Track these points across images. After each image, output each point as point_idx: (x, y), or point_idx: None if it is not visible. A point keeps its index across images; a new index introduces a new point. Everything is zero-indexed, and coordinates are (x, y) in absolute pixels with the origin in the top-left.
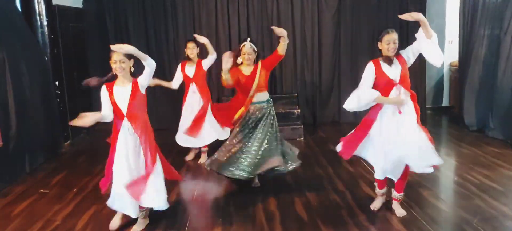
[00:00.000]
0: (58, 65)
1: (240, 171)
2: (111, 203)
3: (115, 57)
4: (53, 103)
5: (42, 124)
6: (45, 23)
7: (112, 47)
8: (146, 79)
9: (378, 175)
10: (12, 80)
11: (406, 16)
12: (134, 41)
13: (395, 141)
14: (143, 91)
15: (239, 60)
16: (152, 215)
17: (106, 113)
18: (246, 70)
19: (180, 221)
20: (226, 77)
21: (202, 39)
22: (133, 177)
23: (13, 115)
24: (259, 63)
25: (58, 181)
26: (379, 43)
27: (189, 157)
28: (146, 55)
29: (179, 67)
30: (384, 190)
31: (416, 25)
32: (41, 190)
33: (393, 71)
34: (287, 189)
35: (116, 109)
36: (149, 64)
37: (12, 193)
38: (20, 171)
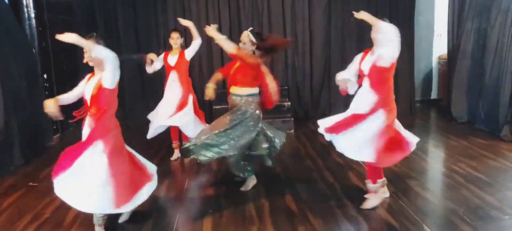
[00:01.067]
0: (46, 58)
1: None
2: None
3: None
4: (41, 96)
5: (31, 117)
6: (33, 15)
7: (57, 37)
8: (108, 79)
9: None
10: (0, 73)
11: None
12: (123, 34)
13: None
14: (106, 85)
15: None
16: (141, 210)
17: (68, 96)
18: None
19: (170, 213)
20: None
21: (186, 22)
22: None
23: (1, 108)
24: (244, 54)
25: (47, 174)
26: (372, 32)
27: (174, 157)
28: (95, 47)
29: (161, 56)
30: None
31: (405, 25)
32: (30, 183)
33: (367, 63)
34: (277, 181)
35: (84, 100)
36: (105, 58)
37: (1, 186)
38: (9, 165)
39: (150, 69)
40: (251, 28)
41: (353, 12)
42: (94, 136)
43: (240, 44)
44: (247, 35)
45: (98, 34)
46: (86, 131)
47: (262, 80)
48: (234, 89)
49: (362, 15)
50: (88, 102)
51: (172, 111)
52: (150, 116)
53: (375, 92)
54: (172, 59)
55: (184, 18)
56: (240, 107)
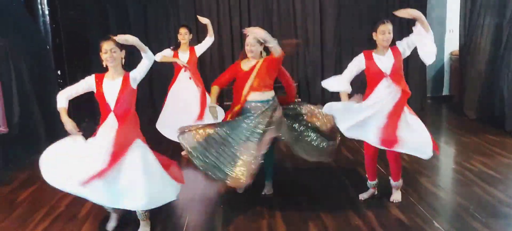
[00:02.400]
0: (60, 54)
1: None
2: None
3: (105, 46)
4: (55, 92)
5: (45, 112)
6: (46, 12)
7: (116, 38)
8: (140, 73)
9: (342, 127)
10: (15, 69)
11: (402, 13)
12: (134, 30)
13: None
14: (134, 86)
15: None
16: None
17: (71, 92)
18: (246, 65)
19: (181, 207)
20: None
21: (204, 20)
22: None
23: (16, 103)
24: (261, 59)
25: None
26: (374, 33)
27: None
28: (147, 48)
29: (172, 52)
30: (375, 182)
31: (410, 22)
32: None
33: (385, 63)
34: (287, 176)
35: (102, 103)
36: (149, 57)
37: (16, 180)
38: (24, 159)
39: (158, 56)
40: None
41: (395, 12)
42: (130, 136)
43: (247, 48)
44: (253, 37)
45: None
46: (106, 132)
47: (283, 74)
48: (254, 96)
49: (415, 13)
50: (112, 104)
51: (196, 112)
52: (160, 127)
53: (400, 88)
54: (184, 56)
55: (194, 14)
56: (273, 112)
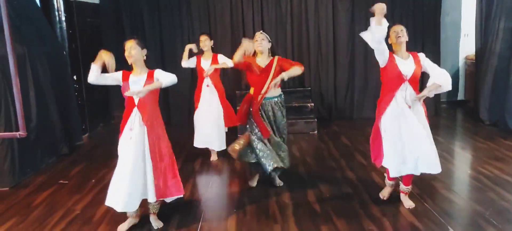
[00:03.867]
0: (76, 60)
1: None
2: (111, 203)
3: (126, 45)
4: (71, 97)
5: (61, 117)
6: (63, 18)
7: (126, 93)
8: (164, 80)
9: (393, 174)
10: (33, 74)
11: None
12: (149, 36)
13: (409, 141)
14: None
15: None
16: (167, 208)
17: (110, 75)
18: (262, 61)
19: (194, 211)
20: (239, 56)
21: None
22: (135, 172)
23: (34, 108)
24: (276, 58)
25: (77, 172)
26: (389, 39)
27: (213, 157)
28: (164, 79)
29: (195, 59)
30: (394, 182)
31: (430, 25)
32: (61, 181)
33: (406, 67)
34: (300, 181)
35: (128, 98)
36: (173, 81)
37: (33, 183)
38: (40, 163)
39: (185, 63)
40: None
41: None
42: (158, 126)
43: (256, 44)
44: (261, 33)
45: (139, 37)
46: (135, 123)
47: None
48: (272, 92)
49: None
50: (136, 99)
51: (221, 120)
52: (197, 143)
53: (417, 96)
54: (206, 64)
55: (209, 21)
56: (280, 108)
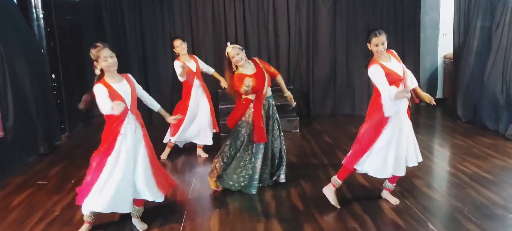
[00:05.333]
0: (54, 58)
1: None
2: (94, 205)
3: (104, 53)
4: (50, 96)
5: (40, 116)
6: (41, 16)
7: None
8: (139, 91)
9: (386, 176)
10: (10, 73)
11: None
12: (129, 34)
13: (401, 142)
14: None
15: (233, 67)
16: (149, 208)
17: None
18: (248, 70)
19: (177, 211)
20: (248, 92)
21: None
22: (127, 173)
23: (11, 107)
24: (256, 58)
25: (56, 172)
26: (368, 44)
27: (202, 153)
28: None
29: (180, 62)
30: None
31: (410, 24)
32: (40, 182)
33: (396, 67)
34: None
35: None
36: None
37: (11, 184)
38: (18, 163)
39: (181, 78)
40: (228, 42)
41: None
42: (146, 133)
43: (235, 60)
44: (232, 48)
45: (105, 41)
46: (131, 126)
47: None
48: (269, 91)
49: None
50: (128, 103)
51: (209, 120)
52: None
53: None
54: (192, 65)
55: (190, 20)
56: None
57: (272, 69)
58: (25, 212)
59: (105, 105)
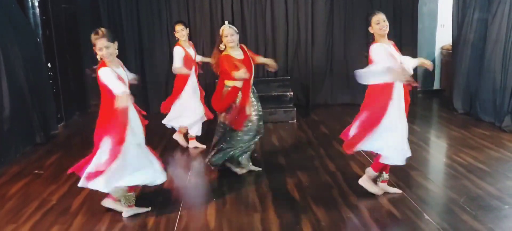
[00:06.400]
0: (50, 47)
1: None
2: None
3: (99, 44)
4: (46, 85)
5: (36, 106)
6: (36, 4)
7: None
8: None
9: (401, 161)
10: (5, 62)
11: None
12: (126, 24)
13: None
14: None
15: (222, 46)
16: (146, 196)
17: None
18: (237, 54)
19: (174, 201)
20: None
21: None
22: (141, 153)
23: (6, 97)
24: (244, 46)
25: (53, 162)
26: (370, 28)
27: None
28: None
29: (179, 48)
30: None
31: (408, 14)
32: (36, 171)
33: (396, 54)
34: (279, 170)
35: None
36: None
37: (7, 174)
38: (15, 152)
39: (181, 70)
40: (226, 21)
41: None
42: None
43: (227, 40)
44: (229, 28)
45: (107, 29)
46: (133, 111)
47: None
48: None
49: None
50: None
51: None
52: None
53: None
54: (191, 51)
55: (187, 8)
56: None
57: (255, 57)
58: (21, 201)
59: (118, 86)
